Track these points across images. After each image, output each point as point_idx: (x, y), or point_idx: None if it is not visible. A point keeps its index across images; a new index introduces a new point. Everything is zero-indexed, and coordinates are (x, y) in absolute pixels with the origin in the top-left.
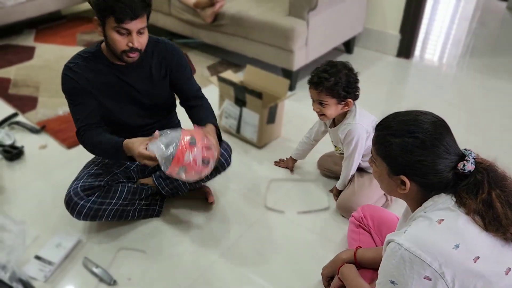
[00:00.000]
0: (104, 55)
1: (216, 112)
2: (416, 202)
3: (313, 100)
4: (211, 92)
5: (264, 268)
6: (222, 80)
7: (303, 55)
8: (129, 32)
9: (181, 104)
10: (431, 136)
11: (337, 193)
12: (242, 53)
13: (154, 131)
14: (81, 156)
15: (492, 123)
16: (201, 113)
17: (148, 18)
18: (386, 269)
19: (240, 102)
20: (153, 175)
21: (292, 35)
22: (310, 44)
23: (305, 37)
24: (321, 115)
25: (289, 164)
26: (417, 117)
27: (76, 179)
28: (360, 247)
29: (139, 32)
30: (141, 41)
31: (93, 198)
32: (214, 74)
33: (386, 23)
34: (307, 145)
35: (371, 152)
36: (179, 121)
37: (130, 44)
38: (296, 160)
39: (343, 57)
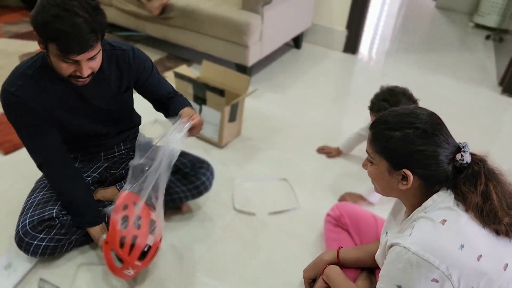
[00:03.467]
0: (53, 68)
1: None
2: (416, 199)
3: None
4: None
5: (242, 273)
6: (179, 76)
7: (258, 50)
8: (76, 61)
9: (158, 110)
10: (431, 126)
11: (354, 199)
12: (193, 48)
13: (108, 142)
14: (20, 162)
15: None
16: (174, 105)
17: (101, 40)
18: (391, 273)
19: (199, 100)
20: (117, 186)
21: (247, 29)
22: (265, 39)
23: (260, 32)
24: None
25: (332, 152)
26: (414, 110)
27: (22, 213)
28: (341, 247)
29: (91, 59)
30: (92, 66)
31: (48, 236)
32: (164, 70)
33: (333, 19)
34: (360, 138)
35: (367, 152)
36: (140, 134)
37: (78, 73)
38: (341, 152)
39: (292, 52)
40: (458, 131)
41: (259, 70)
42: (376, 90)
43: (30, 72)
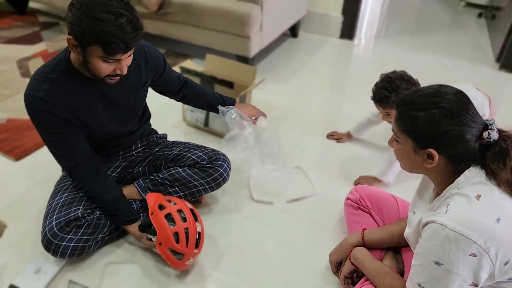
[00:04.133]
0: (78, 70)
1: (180, 107)
2: (443, 176)
3: (379, 110)
4: None
5: (266, 261)
6: (186, 70)
7: (258, 40)
8: (117, 60)
9: (173, 97)
10: (457, 105)
11: (370, 182)
12: (193, 42)
13: (126, 141)
14: (33, 167)
15: None
16: (204, 98)
17: None
18: (428, 250)
19: None
20: (135, 184)
21: (248, 20)
22: (265, 29)
23: (260, 22)
24: (390, 121)
25: (342, 137)
26: (439, 89)
27: (47, 215)
28: (365, 229)
29: (129, 56)
30: (128, 62)
31: (75, 237)
32: None
33: (328, 5)
34: (371, 123)
35: (393, 131)
36: (153, 130)
37: (118, 71)
38: (351, 137)
39: (289, 42)
40: None
41: (259, 61)
42: (374, 74)
43: (55, 76)
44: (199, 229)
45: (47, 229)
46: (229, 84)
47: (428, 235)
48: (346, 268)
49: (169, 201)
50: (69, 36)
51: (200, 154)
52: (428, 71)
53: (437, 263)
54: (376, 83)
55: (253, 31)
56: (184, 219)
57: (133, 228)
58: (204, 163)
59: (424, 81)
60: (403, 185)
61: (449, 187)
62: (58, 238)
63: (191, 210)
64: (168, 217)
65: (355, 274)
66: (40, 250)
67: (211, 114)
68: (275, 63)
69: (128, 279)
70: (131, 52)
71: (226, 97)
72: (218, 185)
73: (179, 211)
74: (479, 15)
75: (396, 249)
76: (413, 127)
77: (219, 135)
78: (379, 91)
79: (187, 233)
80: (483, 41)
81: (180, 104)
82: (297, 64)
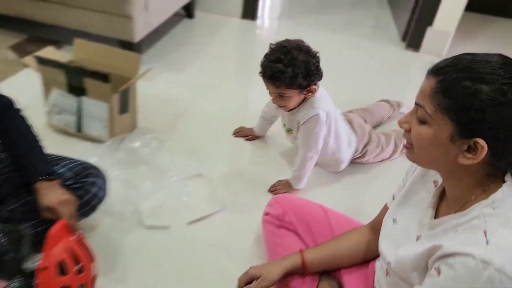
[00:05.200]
0: None
1: (42, 108)
2: (473, 180)
3: (270, 92)
4: (28, 80)
5: None
6: (44, 61)
7: (145, 21)
8: None
9: None
10: None
11: (288, 189)
12: (60, 25)
13: None
14: None
15: (348, 75)
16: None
17: None
18: None
19: (76, 90)
20: None
21: None
22: (151, 7)
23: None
24: (282, 106)
25: (251, 134)
26: (507, 60)
27: None
28: (303, 249)
29: None
30: None
31: None
32: (24, 55)
33: None
34: (266, 120)
35: (419, 105)
36: None
37: None
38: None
39: (184, 23)
40: (371, 90)
41: (149, 46)
42: None
43: None
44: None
45: None
46: (103, 77)
47: (460, 273)
48: None
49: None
50: None
51: (64, 170)
52: (334, 51)
53: None
54: (266, 54)
55: (136, 9)
56: (80, 271)
57: None
58: (70, 182)
59: (330, 62)
60: (330, 188)
61: (480, 203)
62: None
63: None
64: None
65: None
66: None
67: (85, 116)
68: (168, 49)
69: None
70: None
71: (41, 165)
72: (93, 209)
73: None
74: None
75: (327, 272)
76: (466, 104)
77: (98, 141)
78: (271, 65)
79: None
80: (386, 19)
81: (41, 102)
82: (195, 49)
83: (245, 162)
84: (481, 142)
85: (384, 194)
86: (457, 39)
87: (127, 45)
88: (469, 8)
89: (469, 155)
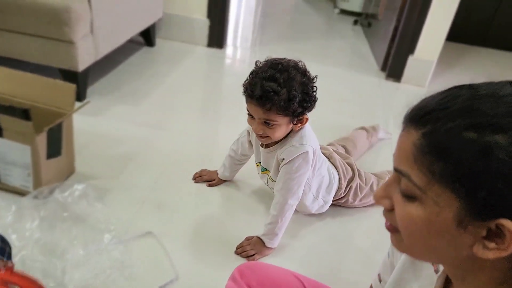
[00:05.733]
0: None
1: None
2: (495, 276)
3: (252, 117)
4: None
5: None
6: None
7: (91, 48)
8: None
9: None
10: None
11: (259, 249)
12: None
13: None
14: None
15: (328, 105)
16: None
17: None
18: None
19: None
20: None
21: (68, 17)
22: (98, 32)
23: (89, 21)
24: (264, 137)
25: (214, 178)
26: None
27: None
28: None
29: None
30: None
31: None
32: None
33: (190, 6)
34: (235, 161)
35: (400, 173)
36: None
37: None
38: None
39: (144, 52)
40: (349, 121)
41: (99, 76)
42: None
43: None
44: None
45: None
46: (23, 113)
47: None
48: None
49: None
50: None
51: None
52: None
53: None
54: (254, 72)
55: (78, 33)
56: None
57: None
58: None
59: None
60: (292, 244)
61: None
62: None
63: None
64: None
65: None
66: None
67: (2, 160)
68: (123, 79)
69: None
70: None
71: None
72: None
73: None
74: (355, 22)
75: None
76: (474, 170)
77: (20, 192)
78: (263, 83)
79: None
80: (363, 49)
81: None
82: (153, 79)
83: (208, 214)
84: (508, 224)
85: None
86: (438, 70)
87: (70, 75)
88: (448, 37)
89: (492, 245)
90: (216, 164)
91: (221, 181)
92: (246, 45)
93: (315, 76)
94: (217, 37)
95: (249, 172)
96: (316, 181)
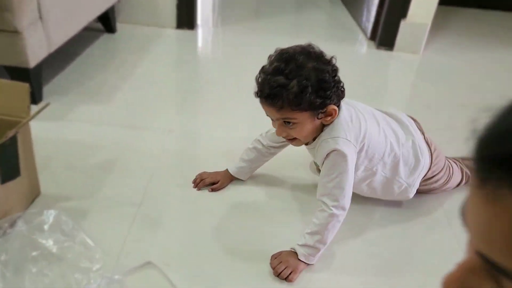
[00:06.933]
0: None
1: None
2: None
3: (272, 120)
4: None
5: None
6: None
7: (41, 38)
8: None
9: None
10: None
11: (294, 265)
12: None
13: None
14: None
15: None
16: None
17: None
18: None
19: None
20: None
21: (9, 1)
22: (48, 17)
23: (36, 5)
24: (291, 139)
25: (217, 179)
26: None
27: None
28: None
29: None
30: None
31: None
32: None
33: None
34: (261, 155)
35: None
36: None
37: None
38: (232, 178)
39: (105, 39)
40: (355, 97)
41: (56, 73)
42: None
43: None
44: None
45: None
46: None
47: None
48: None
49: None
50: None
51: None
52: None
53: None
54: (263, 67)
55: (24, 20)
56: None
57: None
58: None
59: None
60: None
61: None
62: None
63: None
64: None
65: None
66: None
67: None
68: (85, 74)
69: None
70: None
71: None
72: None
73: None
74: None
75: None
76: None
77: None
78: (269, 79)
79: None
80: (343, 18)
81: None
82: (121, 71)
83: (216, 227)
84: None
85: None
86: (430, 35)
87: (20, 74)
88: (440, 1)
89: None
90: (213, 163)
91: (226, 183)
92: (219, 24)
93: (332, 57)
94: (187, 16)
95: (263, 170)
96: (381, 164)
